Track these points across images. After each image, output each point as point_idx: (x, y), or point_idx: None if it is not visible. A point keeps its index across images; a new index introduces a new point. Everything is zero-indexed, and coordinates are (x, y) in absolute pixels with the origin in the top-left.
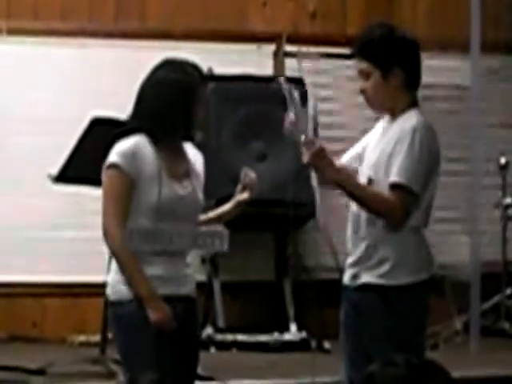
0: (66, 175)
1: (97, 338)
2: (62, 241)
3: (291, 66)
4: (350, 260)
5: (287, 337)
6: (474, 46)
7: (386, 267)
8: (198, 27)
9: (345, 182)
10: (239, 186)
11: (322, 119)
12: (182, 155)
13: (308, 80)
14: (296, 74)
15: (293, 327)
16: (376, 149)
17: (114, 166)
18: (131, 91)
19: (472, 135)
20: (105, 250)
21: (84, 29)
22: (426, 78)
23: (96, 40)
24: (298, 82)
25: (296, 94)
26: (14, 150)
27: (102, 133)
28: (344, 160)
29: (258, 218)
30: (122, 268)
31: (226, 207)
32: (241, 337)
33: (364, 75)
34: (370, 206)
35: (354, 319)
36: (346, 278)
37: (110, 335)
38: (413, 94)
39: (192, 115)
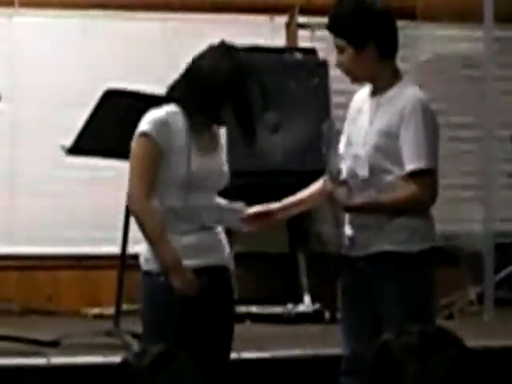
0: (79, 147)
1: (111, 310)
2: (76, 212)
3: (304, 37)
4: (355, 230)
5: (301, 308)
6: (488, 16)
7: (403, 235)
8: None
9: (367, 212)
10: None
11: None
12: (211, 130)
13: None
14: (309, 45)
15: (306, 299)
16: (371, 129)
17: (144, 134)
18: (142, 63)
19: (486, 103)
20: (120, 221)
21: (94, 1)
22: (439, 48)
23: (107, 11)
24: (311, 52)
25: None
26: (28, 121)
27: (115, 104)
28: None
29: (272, 189)
30: (146, 235)
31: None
32: (254, 308)
33: (339, 50)
34: (400, 211)
35: (365, 288)
36: (352, 248)
37: (125, 307)
38: (391, 64)
39: (228, 98)
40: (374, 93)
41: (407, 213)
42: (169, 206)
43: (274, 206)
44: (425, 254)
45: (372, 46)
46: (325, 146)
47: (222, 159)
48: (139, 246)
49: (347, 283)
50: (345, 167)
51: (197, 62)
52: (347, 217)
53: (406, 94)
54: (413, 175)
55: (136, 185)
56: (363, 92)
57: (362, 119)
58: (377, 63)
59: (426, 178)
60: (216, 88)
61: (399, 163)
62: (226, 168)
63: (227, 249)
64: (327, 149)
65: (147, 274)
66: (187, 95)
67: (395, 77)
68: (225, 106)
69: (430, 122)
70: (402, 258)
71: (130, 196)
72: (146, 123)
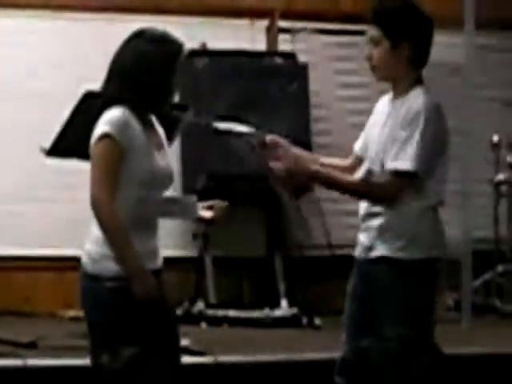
0: (58, 148)
1: None
2: (52, 214)
3: (284, 42)
4: (363, 233)
5: (278, 313)
6: (468, 23)
7: (401, 242)
8: (191, 2)
9: (322, 180)
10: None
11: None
12: (154, 127)
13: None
14: (289, 49)
15: (284, 303)
16: (382, 133)
17: (106, 135)
18: None
19: (465, 112)
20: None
21: (75, 2)
22: None
23: (88, 14)
24: (291, 57)
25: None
26: (5, 125)
27: (94, 106)
28: (357, 148)
29: (250, 193)
30: (109, 238)
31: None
32: (232, 312)
33: (373, 42)
34: (352, 194)
35: (365, 290)
36: (359, 251)
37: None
38: (418, 72)
39: (171, 88)
40: (394, 97)
41: (358, 198)
42: (130, 207)
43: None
44: (423, 262)
45: (407, 46)
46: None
47: (167, 156)
48: (86, 245)
49: (353, 284)
50: (363, 169)
51: (121, 55)
52: (361, 220)
53: (413, 98)
54: (391, 173)
55: (100, 188)
56: (386, 97)
57: (378, 123)
58: (405, 66)
59: (399, 179)
60: (148, 76)
61: None
62: (171, 165)
63: (160, 253)
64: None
65: (94, 278)
66: (125, 92)
67: (416, 83)
68: (163, 91)
69: (430, 127)
70: (399, 264)
71: (94, 200)
72: (105, 124)
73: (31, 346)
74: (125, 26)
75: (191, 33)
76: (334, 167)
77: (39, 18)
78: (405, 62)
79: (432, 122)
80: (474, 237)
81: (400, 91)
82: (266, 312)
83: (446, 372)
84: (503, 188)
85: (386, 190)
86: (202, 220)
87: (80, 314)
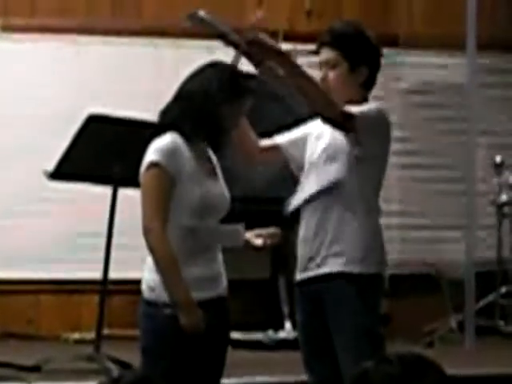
0: (61, 172)
1: (91, 335)
2: (59, 237)
3: None
4: (307, 254)
5: (282, 335)
6: (470, 44)
7: (347, 256)
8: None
9: (290, 63)
10: None
11: None
12: (208, 154)
13: None
14: None
15: (287, 325)
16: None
17: (154, 164)
18: (127, 88)
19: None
20: (102, 246)
21: (80, 26)
22: (422, 75)
23: (92, 37)
24: None
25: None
26: (9, 148)
27: (98, 130)
28: (280, 140)
29: (254, 216)
30: (161, 268)
31: None
32: (235, 334)
33: (330, 64)
34: (312, 94)
35: (321, 310)
36: (304, 273)
37: (106, 331)
38: (366, 96)
39: (230, 125)
40: None
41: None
42: (181, 236)
43: None
44: (375, 277)
45: (364, 71)
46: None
47: (223, 183)
48: (144, 272)
49: (303, 311)
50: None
51: (187, 83)
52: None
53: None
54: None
55: (152, 218)
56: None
57: (325, 137)
58: (360, 89)
59: (355, 119)
60: (209, 109)
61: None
62: (227, 192)
63: (225, 278)
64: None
65: (151, 304)
66: (181, 119)
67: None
68: (223, 129)
69: (380, 113)
70: (348, 278)
71: (146, 230)
72: (153, 153)
73: (35, 370)
74: (126, 50)
75: (195, 55)
76: (247, 134)
77: (41, 42)
78: (360, 85)
79: (381, 111)
80: (477, 258)
81: None
82: (269, 334)
83: None
84: (506, 209)
85: (345, 117)
86: (252, 247)
87: (85, 336)
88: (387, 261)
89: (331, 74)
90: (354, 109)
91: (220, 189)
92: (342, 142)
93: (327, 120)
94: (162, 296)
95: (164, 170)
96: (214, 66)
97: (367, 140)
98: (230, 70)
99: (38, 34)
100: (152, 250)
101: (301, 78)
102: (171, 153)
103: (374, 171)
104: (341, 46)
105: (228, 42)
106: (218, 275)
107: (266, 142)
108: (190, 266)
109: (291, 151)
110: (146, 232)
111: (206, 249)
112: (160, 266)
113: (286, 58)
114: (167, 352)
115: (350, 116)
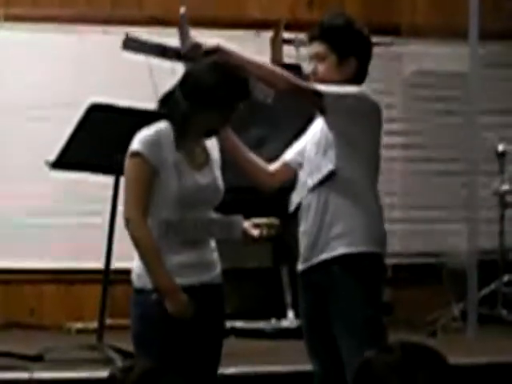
0: (63, 161)
1: (94, 324)
2: (60, 227)
3: (289, 53)
4: (309, 244)
5: (284, 324)
6: (473, 34)
7: (348, 238)
8: (195, 14)
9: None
10: None
11: None
12: (201, 144)
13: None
14: (294, 61)
15: (290, 314)
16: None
17: (136, 154)
18: (128, 78)
19: (469, 122)
20: (102, 236)
21: (81, 15)
22: (424, 64)
23: (93, 27)
24: (295, 69)
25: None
26: (11, 136)
27: (99, 119)
28: (288, 156)
29: (256, 205)
30: (142, 256)
31: None
32: (238, 323)
33: (319, 58)
34: (264, 73)
35: (323, 299)
36: (307, 263)
37: (108, 321)
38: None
39: (224, 123)
40: None
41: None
42: (162, 224)
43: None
44: (376, 255)
45: (353, 62)
46: (179, 30)
47: (214, 173)
48: (132, 262)
49: (306, 299)
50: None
51: (192, 75)
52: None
53: None
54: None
55: (133, 207)
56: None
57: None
58: (349, 82)
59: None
60: (203, 107)
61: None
62: (220, 182)
63: (219, 266)
64: (181, 33)
65: (140, 291)
66: (176, 115)
67: None
68: (214, 118)
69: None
70: (348, 260)
71: (126, 219)
72: (136, 142)
73: (37, 359)
74: None
75: None
76: (257, 166)
77: (42, 31)
78: (350, 78)
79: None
80: (480, 247)
81: None
82: (272, 323)
83: (451, 382)
84: (508, 198)
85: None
86: (249, 238)
87: (87, 325)
88: (387, 241)
89: (320, 67)
90: (323, 87)
91: (208, 180)
92: (331, 132)
93: (292, 95)
94: (149, 283)
95: (145, 160)
96: (214, 65)
97: (341, 122)
98: (230, 70)
99: (39, 23)
100: (131, 238)
101: (247, 64)
102: (154, 143)
103: (362, 156)
104: (329, 39)
105: (171, 55)
106: (206, 262)
107: (275, 165)
108: (172, 255)
109: (298, 161)
110: (128, 223)
111: (191, 240)
112: (141, 253)
113: (230, 55)
114: (157, 338)
115: (319, 94)
